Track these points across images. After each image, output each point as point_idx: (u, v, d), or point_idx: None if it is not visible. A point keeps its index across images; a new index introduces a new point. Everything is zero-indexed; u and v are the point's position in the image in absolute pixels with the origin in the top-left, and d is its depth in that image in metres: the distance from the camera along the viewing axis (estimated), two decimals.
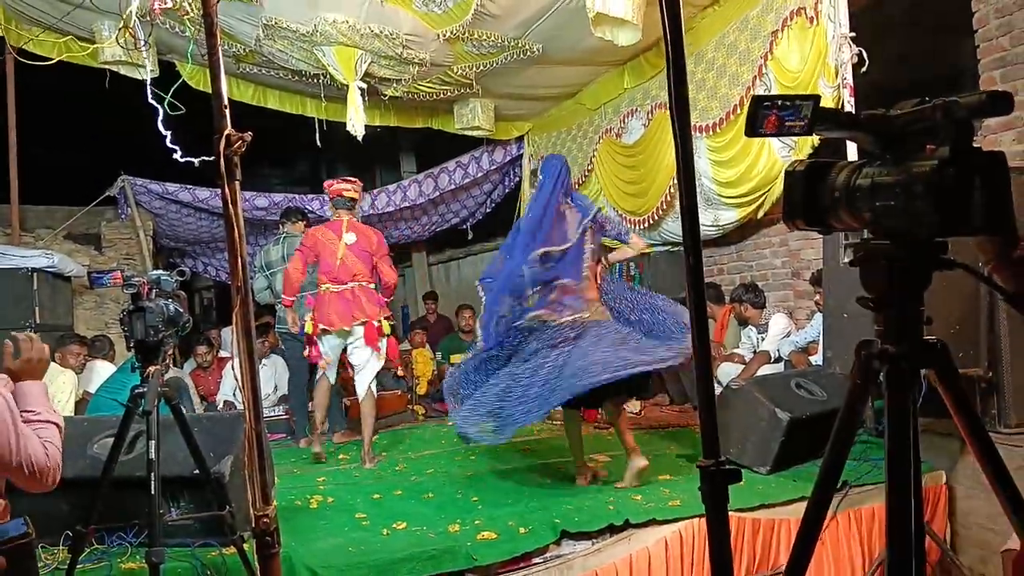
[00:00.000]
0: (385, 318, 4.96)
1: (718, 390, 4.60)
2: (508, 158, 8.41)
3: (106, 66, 5.20)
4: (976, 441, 1.21)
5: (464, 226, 9.34)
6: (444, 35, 5.18)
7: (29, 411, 1.90)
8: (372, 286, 4.96)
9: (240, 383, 1.82)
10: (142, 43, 4.27)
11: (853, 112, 3.71)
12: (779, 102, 1.30)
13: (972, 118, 1.18)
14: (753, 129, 1.32)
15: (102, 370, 5.75)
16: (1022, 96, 4.08)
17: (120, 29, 4.06)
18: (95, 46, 4.93)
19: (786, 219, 1.34)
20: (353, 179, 5.08)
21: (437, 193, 8.56)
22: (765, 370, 5.13)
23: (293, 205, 7.17)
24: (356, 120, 5.39)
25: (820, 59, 4.34)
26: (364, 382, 4.91)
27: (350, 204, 5.03)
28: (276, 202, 7.96)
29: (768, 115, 1.30)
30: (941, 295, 3.59)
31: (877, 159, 1.27)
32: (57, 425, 1.94)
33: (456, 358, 7.41)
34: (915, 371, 1.18)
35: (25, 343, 1.99)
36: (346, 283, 4.85)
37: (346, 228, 4.95)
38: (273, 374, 6.58)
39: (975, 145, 1.20)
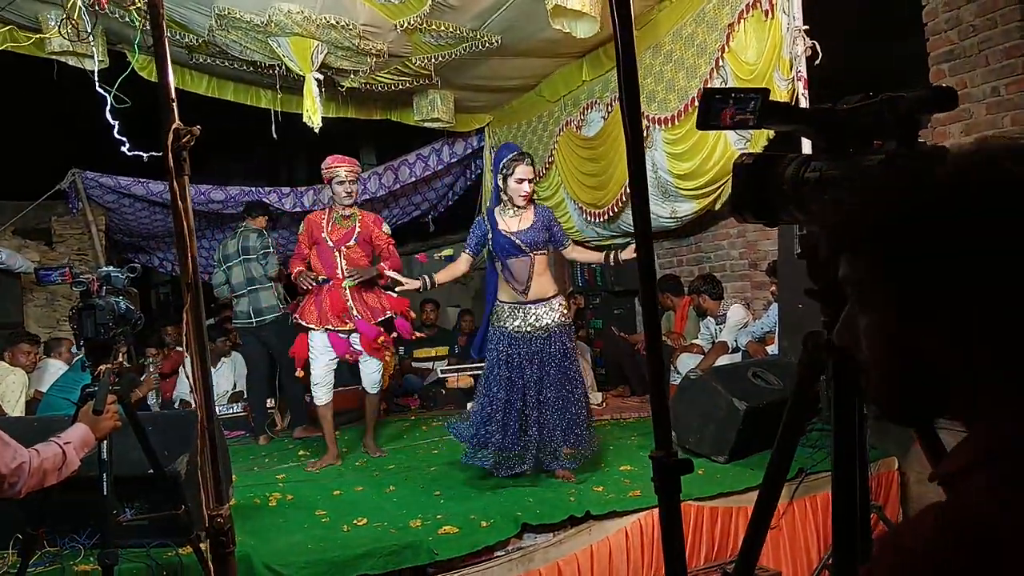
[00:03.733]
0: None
1: (677, 380, 4.64)
2: (469, 150, 8.37)
3: (53, 57, 5.05)
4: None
5: (426, 219, 9.28)
6: (402, 26, 5.13)
7: (58, 437, 2.14)
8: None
9: (192, 381, 1.78)
10: (88, 33, 4.14)
11: (801, 106, 3.77)
12: (729, 95, 1.31)
13: (917, 113, 1.20)
14: (704, 122, 1.33)
15: (54, 369, 5.63)
16: (970, 89, 4.18)
17: (63, 20, 3.92)
18: (38, 36, 4.78)
19: (734, 212, 1.35)
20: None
21: (398, 185, 8.48)
22: (723, 360, 5.20)
23: (256, 200, 7.06)
24: (313, 112, 5.31)
25: (775, 52, 4.39)
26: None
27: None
28: (233, 195, 7.82)
29: (718, 108, 1.31)
30: None
31: (825, 153, 1.28)
32: (64, 453, 2.11)
33: (420, 352, 7.40)
34: (860, 362, 1.20)
35: (111, 407, 2.38)
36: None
37: None
38: (232, 371, 6.50)
39: (920, 140, 1.22)
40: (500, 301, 4.01)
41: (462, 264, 4.11)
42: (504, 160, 3.97)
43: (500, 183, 3.99)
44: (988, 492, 0.62)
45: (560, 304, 3.99)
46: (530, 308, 3.91)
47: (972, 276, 0.65)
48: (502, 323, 3.97)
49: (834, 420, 1.20)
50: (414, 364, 7.37)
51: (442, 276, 4.12)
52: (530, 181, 3.96)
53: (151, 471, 2.78)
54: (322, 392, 4.69)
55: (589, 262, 4.36)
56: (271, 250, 5.61)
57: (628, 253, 3.91)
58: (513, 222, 3.97)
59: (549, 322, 3.90)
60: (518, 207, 3.97)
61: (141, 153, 4.48)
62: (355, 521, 3.43)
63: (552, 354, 3.87)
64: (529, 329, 3.90)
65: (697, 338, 5.76)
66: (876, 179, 0.77)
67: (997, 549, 0.59)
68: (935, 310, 0.67)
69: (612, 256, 4.00)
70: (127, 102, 3.86)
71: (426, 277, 4.08)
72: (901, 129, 1.18)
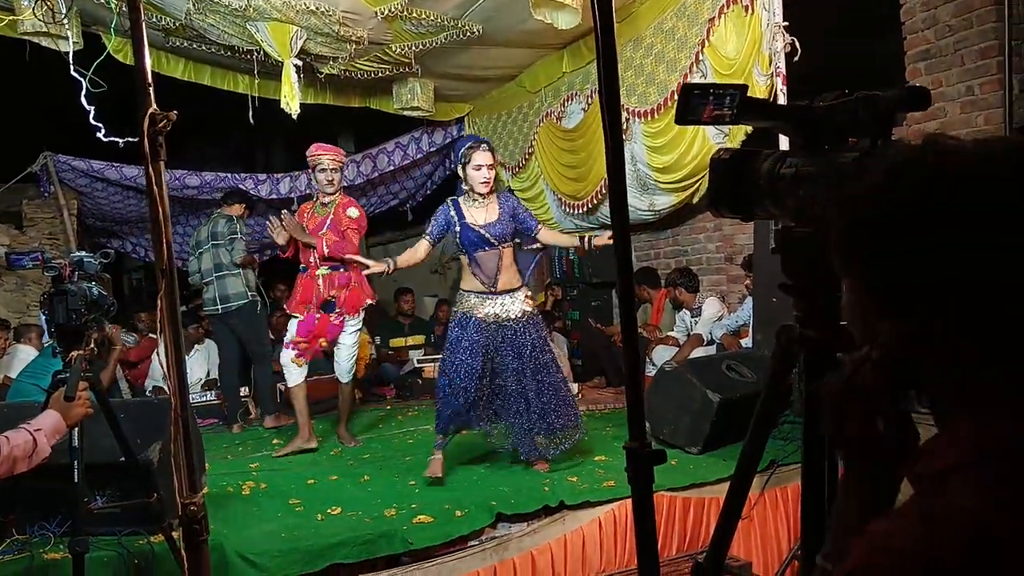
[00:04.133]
0: None
1: (653, 372, 4.67)
2: (448, 140, 8.33)
3: (26, 37, 4.95)
4: None
5: (404, 208, 9.24)
6: (382, 13, 5.09)
7: (28, 424, 2.13)
8: None
9: (165, 368, 1.77)
10: (62, 15, 4.05)
11: (779, 102, 3.80)
12: (708, 90, 1.32)
13: (892, 111, 1.22)
14: (683, 116, 1.34)
15: (24, 355, 5.55)
16: (945, 88, 4.23)
17: (38, 0, 3.85)
18: (11, 16, 4.68)
19: (711, 206, 1.36)
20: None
21: (376, 174, 8.43)
22: (698, 352, 5.24)
23: (234, 187, 7.04)
24: (291, 98, 5.26)
25: (755, 47, 4.41)
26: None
27: None
28: (208, 181, 7.74)
29: (697, 103, 1.32)
30: None
31: (801, 149, 1.30)
32: (35, 440, 2.08)
33: (396, 342, 7.38)
34: (832, 356, 1.22)
35: (82, 394, 2.34)
36: None
37: None
38: (206, 359, 6.45)
39: (895, 138, 1.23)
40: (465, 291, 3.96)
41: (421, 251, 4.05)
42: (462, 149, 3.94)
43: (460, 173, 3.95)
44: (983, 491, 0.62)
45: (526, 297, 3.99)
46: (497, 298, 3.90)
47: (948, 272, 0.65)
48: (467, 311, 3.92)
49: (805, 413, 1.21)
50: (390, 352, 7.35)
51: (402, 260, 4.08)
52: (489, 167, 3.89)
53: (123, 459, 2.76)
54: (293, 374, 4.67)
55: (562, 245, 4.35)
56: (239, 236, 5.56)
57: (602, 240, 3.88)
58: (480, 214, 3.91)
59: (516, 312, 3.89)
60: (480, 195, 3.91)
61: (117, 139, 4.41)
62: (329, 510, 3.42)
63: (525, 343, 3.86)
64: (498, 318, 3.88)
65: (673, 330, 5.80)
66: (851, 176, 0.78)
67: (995, 548, 0.58)
68: (911, 304, 0.68)
69: (587, 240, 3.96)
70: (103, 85, 3.79)
71: (389, 261, 4.06)
72: (876, 127, 1.19)
